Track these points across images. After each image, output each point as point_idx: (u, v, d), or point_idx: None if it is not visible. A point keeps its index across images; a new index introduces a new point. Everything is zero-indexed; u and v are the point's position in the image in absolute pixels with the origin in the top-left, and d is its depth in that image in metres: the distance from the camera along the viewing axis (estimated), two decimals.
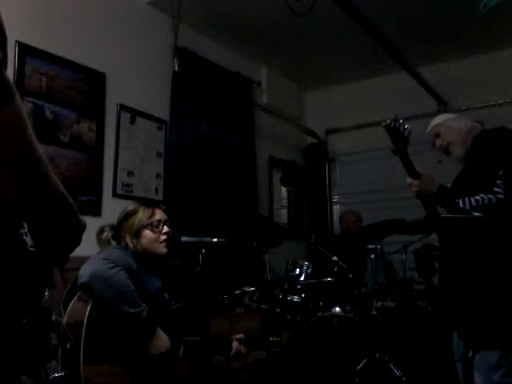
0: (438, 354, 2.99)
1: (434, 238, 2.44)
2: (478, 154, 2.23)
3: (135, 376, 1.84)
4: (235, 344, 2.12)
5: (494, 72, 4.36)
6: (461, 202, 2.09)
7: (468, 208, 2.05)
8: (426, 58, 4.46)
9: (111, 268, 1.82)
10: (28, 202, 0.64)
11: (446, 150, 2.42)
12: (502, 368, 2.00)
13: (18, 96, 0.56)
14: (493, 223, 1.94)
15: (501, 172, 2.04)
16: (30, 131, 0.59)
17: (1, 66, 0.52)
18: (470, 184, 2.14)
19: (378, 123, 5.23)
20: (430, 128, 2.53)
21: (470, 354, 1.99)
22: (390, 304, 3.29)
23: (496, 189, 2.03)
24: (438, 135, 2.47)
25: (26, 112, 0.59)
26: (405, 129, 1.98)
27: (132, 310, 1.82)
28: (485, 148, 2.21)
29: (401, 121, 1.97)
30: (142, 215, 2.13)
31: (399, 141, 1.99)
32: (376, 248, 3.43)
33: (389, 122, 1.95)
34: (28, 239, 0.68)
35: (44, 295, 0.72)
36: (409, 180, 2.13)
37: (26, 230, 0.68)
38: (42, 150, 0.63)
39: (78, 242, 0.77)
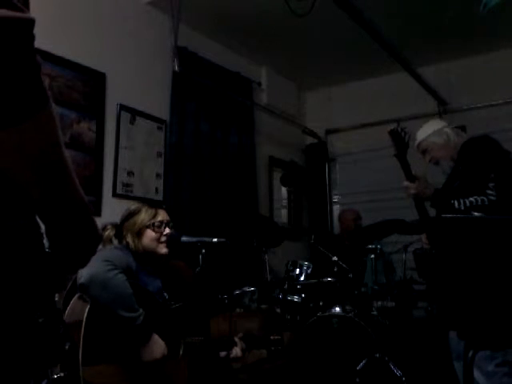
0: (437, 354, 2.99)
1: (421, 239, 2.51)
2: (469, 158, 2.34)
3: (134, 377, 1.84)
4: (238, 343, 2.12)
5: (493, 72, 4.36)
6: (456, 202, 2.20)
7: (463, 208, 2.14)
8: (426, 58, 4.46)
9: (110, 270, 1.82)
10: (50, 202, 0.65)
11: (436, 163, 2.56)
12: (496, 359, 2.04)
13: (51, 100, 0.57)
14: (491, 223, 1.95)
15: (492, 175, 2.19)
16: (60, 133, 0.61)
17: (40, 71, 0.53)
18: (464, 186, 2.26)
19: (377, 123, 5.27)
20: (416, 141, 2.63)
21: (470, 353, 2.00)
22: (390, 304, 3.29)
23: (488, 191, 2.17)
24: (425, 151, 2.58)
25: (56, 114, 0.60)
26: (406, 134, 2.18)
27: (127, 315, 1.81)
28: (475, 153, 2.33)
29: (402, 127, 2.15)
30: (145, 215, 2.13)
31: (400, 145, 2.17)
32: (376, 248, 3.44)
33: (392, 127, 2.12)
34: (45, 241, 0.69)
35: (56, 296, 0.73)
36: (406, 183, 2.28)
37: (43, 231, 0.69)
38: (67, 153, 0.64)
39: (93, 251, 0.77)
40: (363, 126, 5.03)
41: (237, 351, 2.08)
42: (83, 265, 0.79)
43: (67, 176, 0.65)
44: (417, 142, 2.61)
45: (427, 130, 2.60)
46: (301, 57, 4.65)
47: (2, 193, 0.61)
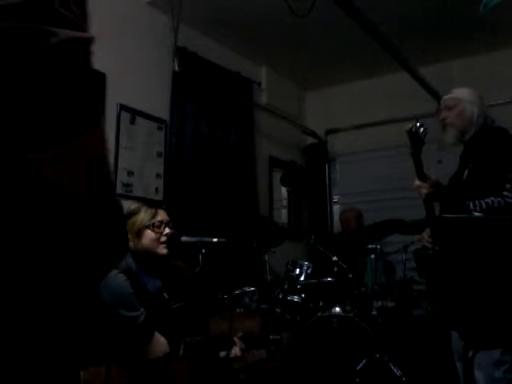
0: (437, 354, 2.99)
1: (420, 239, 2.45)
2: (485, 155, 2.24)
3: (134, 377, 1.84)
4: (238, 343, 2.12)
5: (494, 72, 4.36)
6: (471, 204, 2.11)
7: (479, 210, 2.07)
8: (426, 58, 4.45)
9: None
10: (93, 210, 0.69)
11: (444, 126, 2.43)
12: (504, 364, 2.01)
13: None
14: (492, 223, 1.94)
15: (510, 175, 2.10)
16: (107, 144, 0.66)
17: (96, 86, 0.57)
18: (479, 186, 2.16)
19: (377, 123, 5.25)
20: (450, 95, 2.48)
21: (470, 354, 2.00)
22: (390, 304, 3.29)
23: (505, 192, 2.08)
24: (449, 108, 2.43)
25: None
26: (423, 131, 2.08)
27: (129, 314, 1.82)
28: (493, 151, 2.22)
29: (420, 124, 2.06)
30: (144, 215, 2.13)
31: (417, 144, 2.08)
32: (376, 248, 3.44)
33: (411, 126, 2.05)
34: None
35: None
36: (418, 182, 2.18)
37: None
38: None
39: (120, 256, 0.80)
40: (363, 126, 5.02)
41: (236, 351, 2.08)
42: (106, 272, 0.81)
43: (110, 186, 0.68)
44: (450, 95, 2.47)
45: (470, 95, 2.43)
46: (301, 57, 4.65)
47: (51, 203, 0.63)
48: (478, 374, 2.01)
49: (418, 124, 2.08)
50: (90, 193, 0.65)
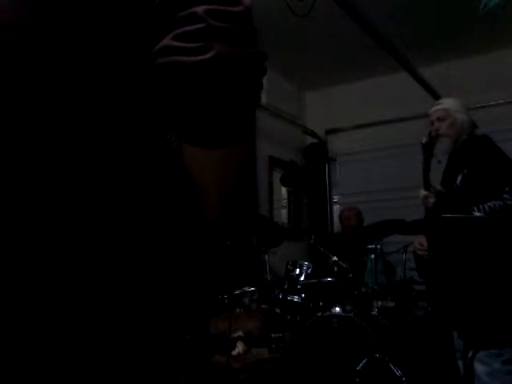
0: (438, 354, 3.00)
1: (413, 242, 2.49)
2: (479, 161, 2.32)
3: None
4: (239, 344, 2.13)
5: (494, 72, 4.36)
6: (475, 208, 2.19)
7: (482, 214, 2.14)
8: (426, 57, 4.46)
9: None
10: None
11: (437, 136, 2.49)
12: (502, 356, 2.06)
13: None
14: (491, 223, 1.95)
15: (507, 179, 2.19)
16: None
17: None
18: (479, 190, 2.24)
19: (378, 123, 5.25)
20: (437, 106, 2.56)
21: (470, 354, 2.00)
22: (390, 304, 3.29)
23: (505, 195, 2.16)
24: (441, 119, 2.50)
25: None
26: (435, 143, 2.24)
27: None
28: (486, 157, 2.31)
29: (433, 138, 2.14)
30: None
31: (428, 156, 2.23)
32: (376, 248, 3.44)
33: (426, 140, 2.14)
34: None
35: None
36: (424, 192, 2.24)
37: None
38: None
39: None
40: (363, 126, 5.02)
41: (239, 349, 2.09)
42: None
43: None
44: (441, 106, 2.55)
45: (457, 105, 2.54)
46: (301, 57, 4.65)
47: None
48: (479, 367, 2.05)
49: (432, 137, 2.16)
50: (218, 203, 0.67)
